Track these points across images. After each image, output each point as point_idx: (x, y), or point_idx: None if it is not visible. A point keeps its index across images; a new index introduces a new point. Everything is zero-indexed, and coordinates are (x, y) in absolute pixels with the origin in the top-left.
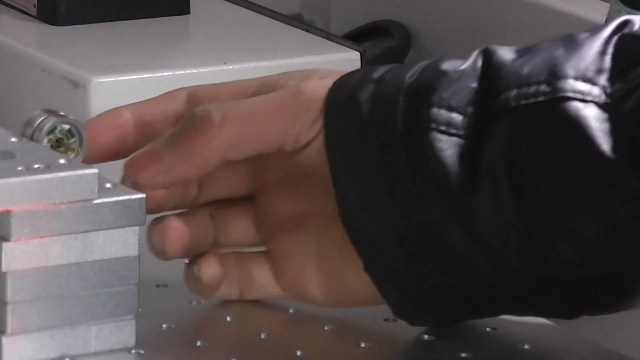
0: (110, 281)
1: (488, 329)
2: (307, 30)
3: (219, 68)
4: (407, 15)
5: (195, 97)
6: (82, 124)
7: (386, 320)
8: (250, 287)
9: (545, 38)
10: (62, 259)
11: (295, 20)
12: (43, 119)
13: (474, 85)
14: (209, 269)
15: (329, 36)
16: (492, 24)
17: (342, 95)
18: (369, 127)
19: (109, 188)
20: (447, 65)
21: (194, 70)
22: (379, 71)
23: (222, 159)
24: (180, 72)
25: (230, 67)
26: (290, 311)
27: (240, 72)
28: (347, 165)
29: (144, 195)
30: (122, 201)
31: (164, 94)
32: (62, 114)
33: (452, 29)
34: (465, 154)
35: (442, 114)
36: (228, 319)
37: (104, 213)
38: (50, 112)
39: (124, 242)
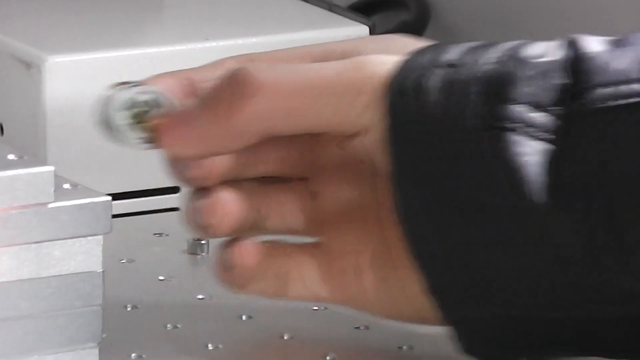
0: (69, 301)
1: None
2: (305, 0)
3: (199, 45)
4: None
5: None
6: (166, 91)
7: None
8: (290, 285)
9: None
10: (12, 274)
11: None
12: (119, 92)
13: (562, 80)
14: (248, 258)
15: (331, 7)
16: None
17: (407, 82)
18: (436, 123)
19: (67, 189)
20: (529, 52)
21: (170, 48)
22: (451, 53)
23: (263, 132)
24: (153, 49)
25: (213, 44)
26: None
27: (225, 50)
28: (409, 168)
29: (109, 199)
30: (84, 205)
31: (211, 63)
32: (138, 83)
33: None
34: (549, 163)
35: (524, 112)
36: (210, 347)
37: (62, 219)
38: (126, 83)
39: (86, 254)
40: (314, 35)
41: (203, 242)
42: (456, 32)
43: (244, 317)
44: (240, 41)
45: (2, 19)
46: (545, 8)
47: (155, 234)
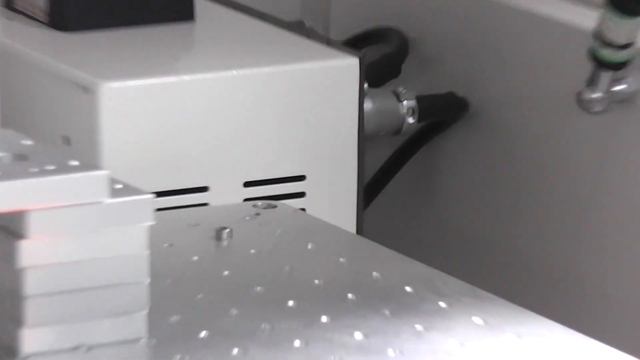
0: (122, 277)
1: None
2: (307, 37)
3: (225, 74)
4: (405, 22)
5: None
6: None
7: None
8: None
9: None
10: (76, 255)
11: (297, 27)
12: None
13: None
14: None
15: (328, 42)
16: (488, 31)
17: None
18: None
19: (119, 189)
20: None
21: (201, 76)
22: None
23: None
24: (188, 77)
25: (235, 72)
26: (290, 304)
27: (246, 79)
28: None
29: (152, 196)
30: (132, 201)
31: None
32: None
33: (449, 35)
34: None
35: None
36: (234, 312)
37: (115, 213)
38: None
39: (135, 239)
40: (316, 66)
41: (225, 230)
42: (431, 63)
43: (258, 289)
44: (256, 71)
45: (64, 51)
46: (511, 39)
47: (189, 224)
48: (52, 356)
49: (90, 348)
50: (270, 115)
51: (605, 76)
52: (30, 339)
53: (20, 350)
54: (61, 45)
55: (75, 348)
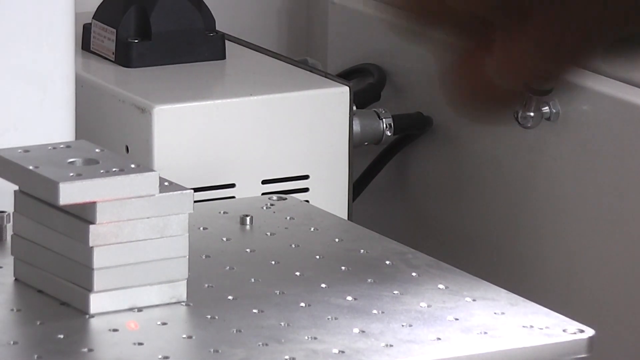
0: (167, 253)
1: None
2: (310, 71)
3: (246, 99)
4: (384, 60)
5: None
6: None
7: None
8: None
9: None
10: (133, 237)
11: (302, 64)
12: None
13: None
14: None
15: (326, 75)
16: None
17: None
18: None
19: (167, 185)
20: None
21: (228, 100)
22: None
23: None
24: (219, 101)
25: (255, 98)
26: (297, 274)
27: (263, 102)
28: None
29: (191, 191)
30: (176, 195)
31: None
32: None
33: (417, 68)
34: None
35: None
36: (253, 280)
37: (163, 203)
38: None
39: (177, 224)
40: (317, 92)
41: (248, 217)
42: (403, 90)
43: (272, 262)
44: (271, 96)
45: (127, 82)
46: None
47: (220, 212)
48: (112, 315)
49: (141, 309)
50: (282, 129)
51: (535, 100)
52: (96, 302)
53: (88, 311)
54: (125, 78)
55: (130, 309)
